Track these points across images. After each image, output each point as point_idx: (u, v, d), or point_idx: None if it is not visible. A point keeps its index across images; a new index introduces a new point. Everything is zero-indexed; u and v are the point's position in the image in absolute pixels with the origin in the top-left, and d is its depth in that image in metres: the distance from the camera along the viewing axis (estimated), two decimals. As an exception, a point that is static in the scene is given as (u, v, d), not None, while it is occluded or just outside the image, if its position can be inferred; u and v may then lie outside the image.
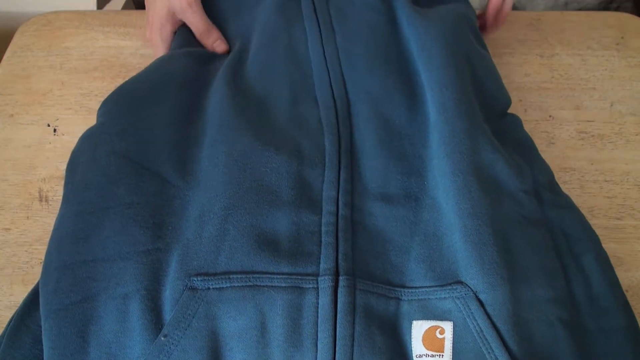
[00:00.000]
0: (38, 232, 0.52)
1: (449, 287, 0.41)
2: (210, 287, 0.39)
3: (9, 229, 0.52)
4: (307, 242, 0.42)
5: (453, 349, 0.39)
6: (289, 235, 0.42)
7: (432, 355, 0.39)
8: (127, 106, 0.49)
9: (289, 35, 0.55)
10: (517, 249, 0.42)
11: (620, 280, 0.44)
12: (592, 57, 0.64)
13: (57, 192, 0.55)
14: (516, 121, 0.53)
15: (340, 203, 0.44)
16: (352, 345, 0.38)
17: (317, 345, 0.38)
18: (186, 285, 0.39)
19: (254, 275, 0.39)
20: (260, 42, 0.55)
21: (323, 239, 0.42)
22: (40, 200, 0.54)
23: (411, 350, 0.39)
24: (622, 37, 0.66)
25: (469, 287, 0.40)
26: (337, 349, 0.38)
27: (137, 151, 0.46)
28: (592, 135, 0.58)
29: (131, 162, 0.45)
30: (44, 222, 0.53)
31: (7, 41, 0.68)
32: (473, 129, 0.47)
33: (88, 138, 0.48)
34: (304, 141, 0.47)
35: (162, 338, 0.37)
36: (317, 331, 0.38)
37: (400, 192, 0.46)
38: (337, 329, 0.38)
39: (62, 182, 0.52)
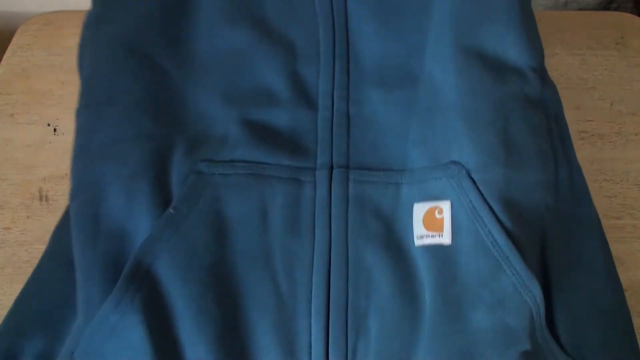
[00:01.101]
0: (38, 231, 0.52)
1: (443, 167, 0.42)
2: (216, 172, 0.41)
3: (9, 229, 0.53)
4: (304, 138, 0.44)
5: (452, 228, 0.40)
6: (287, 131, 0.44)
7: (432, 236, 0.40)
8: None
9: None
10: (516, 130, 0.43)
11: (620, 280, 0.44)
12: (592, 57, 0.64)
13: (57, 192, 0.55)
14: None
15: (335, 97, 0.45)
16: (346, 232, 0.41)
17: (314, 233, 0.41)
18: (192, 169, 0.41)
19: (257, 165, 0.42)
20: None
21: (319, 135, 0.44)
22: (41, 200, 0.54)
23: (411, 231, 0.41)
24: (622, 37, 0.66)
25: (462, 165, 0.41)
26: (332, 235, 0.41)
27: (136, 39, 0.46)
28: (592, 135, 0.58)
29: (131, 51, 0.46)
30: (44, 221, 0.53)
31: (7, 41, 0.68)
32: (480, 11, 0.47)
33: (88, 28, 0.48)
34: (298, 34, 0.47)
35: (171, 210, 0.39)
36: (314, 221, 0.41)
37: (398, 74, 0.47)
38: (332, 218, 0.41)
39: (62, 182, 0.52)
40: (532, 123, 0.44)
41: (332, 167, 0.43)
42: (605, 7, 0.80)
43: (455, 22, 0.46)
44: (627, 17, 0.69)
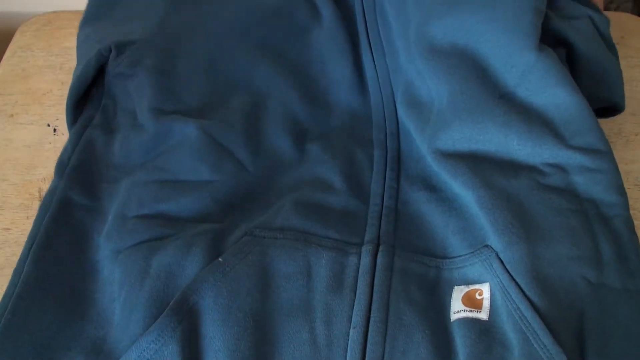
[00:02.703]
0: (38, 232, 0.52)
1: (478, 252, 0.44)
2: (266, 236, 0.45)
3: (9, 229, 0.53)
4: (354, 220, 0.48)
5: (490, 306, 0.42)
6: (338, 212, 0.48)
7: (471, 311, 0.42)
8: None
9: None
10: (535, 212, 0.45)
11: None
12: (592, 57, 0.64)
13: (57, 192, 0.55)
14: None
15: (385, 197, 0.50)
16: (389, 293, 0.43)
17: (355, 292, 0.42)
18: (246, 232, 0.45)
19: (305, 234, 0.45)
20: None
21: (369, 221, 0.48)
22: (40, 200, 0.54)
23: (449, 308, 0.42)
24: (622, 37, 0.66)
25: (492, 248, 0.44)
26: (373, 295, 0.42)
27: (219, 130, 0.51)
28: (592, 135, 0.58)
29: (214, 142, 0.51)
30: (44, 222, 0.53)
31: (7, 41, 0.68)
32: (483, 111, 0.49)
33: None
34: (356, 152, 0.53)
35: (220, 259, 0.42)
36: (356, 282, 0.43)
37: (437, 179, 0.50)
38: (375, 281, 0.43)
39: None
40: (555, 205, 0.45)
41: (378, 245, 0.46)
42: (605, 7, 0.80)
43: (461, 134, 0.50)
44: (627, 17, 0.69)
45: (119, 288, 0.43)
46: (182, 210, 0.47)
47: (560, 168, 0.47)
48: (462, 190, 0.47)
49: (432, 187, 0.50)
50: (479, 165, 0.48)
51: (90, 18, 0.61)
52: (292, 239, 0.45)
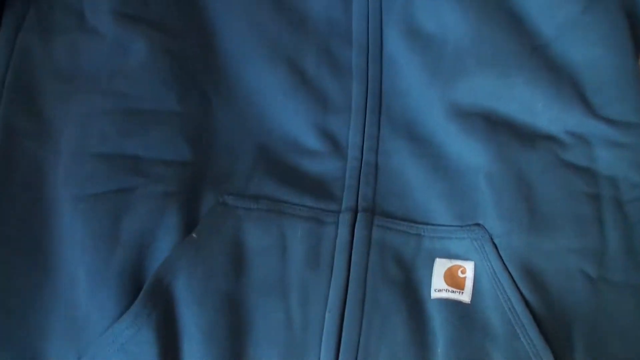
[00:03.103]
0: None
1: (468, 228, 0.43)
2: (239, 205, 0.43)
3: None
4: (331, 184, 0.45)
5: (473, 287, 0.41)
6: (314, 177, 0.46)
7: (453, 291, 0.41)
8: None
9: None
10: (545, 196, 0.43)
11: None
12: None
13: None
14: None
15: (365, 148, 0.46)
16: (366, 273, 0.42)
17: (332, 270, 0.41)
18: (218, 200, 0.42)
19: (280, 203, 0.43)
20: None
21: (347, 182, 0.45)
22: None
23: (429, 282, 0.42)
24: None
25: (486, 229, 0.42)
26: (350, 274, 0.41)
27: (185, 53, 0.46)
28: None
29: (180, 66, 0.46)
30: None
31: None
32: (511, 64, 0.46)
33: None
34: (332, 85, 0.48)
35: (193, 235, 0.41)
36: (333, 258, 0.42)
37: (427, 130, 0.47)
38: (352, 258, 0.42)
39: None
40: (568, 188, 0.43)
41: (356, 212, 0.44)
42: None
43: (483, 86, 0.46)
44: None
45: (81, 249, 0.40)
46: (150, 148, 0.43)
47: (583, 139, 0.44)
48: (473, 157, 0.44)
49: (416, 137, 0.47)
50: (496, 129, 0.45)
51: None
52: (265, 210, 0.43)
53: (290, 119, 0.47)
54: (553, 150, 0.44)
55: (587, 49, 0.45)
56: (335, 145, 0.46)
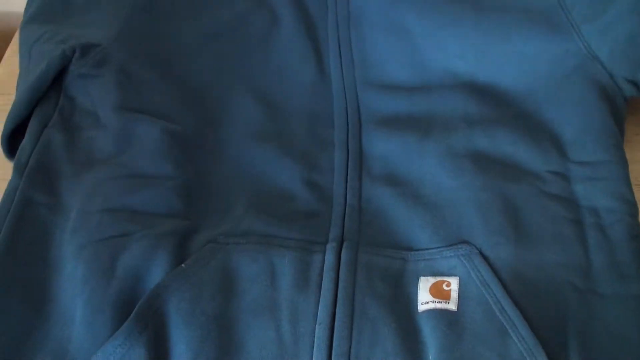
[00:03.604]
0: (38, 231, 0.52)
1: (454, 247, 0.45)
2: (230, 242, 0.45)
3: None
4: (318, 222, 0.49)
5: (459, 298, 0.42)
6: (301, 216, 0.49)
7: (439, 302, 0.42)
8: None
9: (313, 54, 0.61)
10: (530, 218, 0.46)
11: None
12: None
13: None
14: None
15: (348, 196, 0.50)
16: (354, 289, 0.43)
17: (320, 289, 0.43)
18: (209, 240, 0.45)
19: (268, 237, 0.46)
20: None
21: (332, 221, 0.49)
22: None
23: (415, 299, 0.43)
24: None
25: (473, 246, 0.45)
26: (338, 291, 0.43)
27: (181, 133, 0.53)
28: (592, 136, 0.58)
29: (177, 144, 0.52)
30: (44, 221, 0.52)
31: (7, 41, 0.68)
32: (494, 119, 0.53)
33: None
34: (317, 154, 0.54)
35: (183, 266, 0.43)
36: (321, 279, 0.44)
37: (405, 175, 0.51)
38: (339, 277, 0.44)
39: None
40: (550, 213, 0.47)
41: (342, 242, 0.47)
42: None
43: (471, 143, 0.52)
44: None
45: (81, 284, 0.43)
46: (147, 203, 0.48)
47: (562, 176, 0.49)
48: (460, 190, 0.48)
49: (396, 182, 0.51)
50: (484, 167, 0.49)
51: (40, 17, 0.62)
52: (254, 243, 0.46)
53: (280, 176, 0.52)
54: (535, 184, 0.49)
55: (563, 114, 0.52)
56: (321, 195, 0.51)
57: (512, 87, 0.55)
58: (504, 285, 0.42)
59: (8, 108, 0.61)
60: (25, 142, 0.52)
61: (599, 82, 0.53)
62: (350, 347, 0.41)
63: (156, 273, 0.43)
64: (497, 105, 0.54)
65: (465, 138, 0.52)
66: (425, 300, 0.43)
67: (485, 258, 0.44)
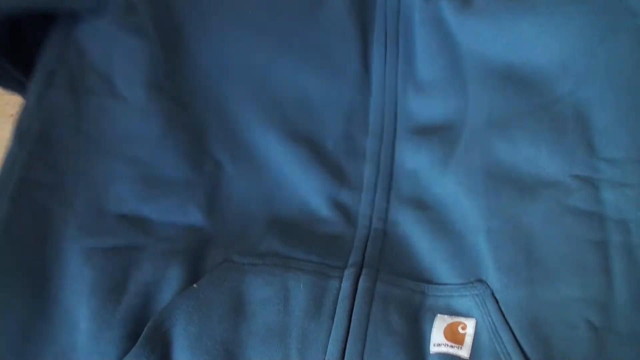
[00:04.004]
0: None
1: (470, 285, 0.43)
2: (245, 262, 0.43)
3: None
4: (339, 246, 0.46)
5: (473, 344, 0.40)
6: (323, 239, 0.46)
7: (452, 346, 0.40)
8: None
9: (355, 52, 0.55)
10: (547, 246, 0.42)
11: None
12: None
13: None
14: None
15: (374, 218, 0.48)
16: (367, 323, 0.41)
17: (333, 319, 0.41)
18: (225, 259, 0.43)
19: (285, 259, 0.44)
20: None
21: (354, 244, 0.46)
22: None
23: (429, 337, 0.41)
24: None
25: (487, 285, 0.42)
26: (351, 323, 0.41)
27: (203, 131, 0.49)
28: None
29: (198, 143, 0.48)
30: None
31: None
32: (517, 114, 0.47)
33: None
34: (347, 165, 0.50)
35: (194, 285, 0.42)
36: (335, 308, 0.42)
37: (431, 197, 0.48)
38: (354, 308, 0.42)
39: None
40: (572, 236, 0.42)
41: (361, 268, 0.44)
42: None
43: (488, 149, 0.47)
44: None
45: (89, 293, 0.41)
46: (164, 213, 0.45)
47: (589, 182, 0.43)
48: (473, 216, 0.45)
49: (424, 205, 0.48)
50: (496, 183, 0.45)
51: None
52: (270, 265, 0.44)
53: (305, 191, 0.49)
54: (556, 198, 0.43)
55: (596, 96, 0.45)
56: (347, 216, 0.48)
57: (546, 66, 0.47)
58: (515, 335, 0.40)
59: (8, 108, 0.59)
60: (27, 105, 0.47)
61: None
62: None
63: (167, 291, 0.42)
64: (527, 92, 0.47)
65: (484, 145, 0.47)
66: (437, 342, 0.41)
67: (497, 301, 0.41)
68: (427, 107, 0.53)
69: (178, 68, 0.50)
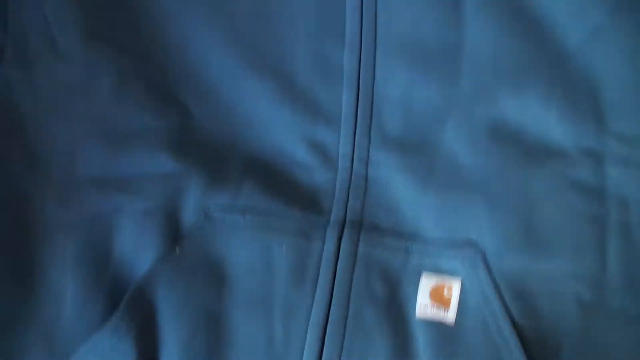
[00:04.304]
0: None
1: (459, 248, 0.42)
2: (226, 220, 0.42)
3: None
4: (320, 197, 0.45)
5: (458, 306, 0.41)
6: (304, 189, 0.45)
7: (437, 307, 0.41)
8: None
9: None
10: (545, 218, 0.42)
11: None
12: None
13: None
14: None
15: (355, 158, 0.45)
16: (350, 291, 0.41)
17: (316, 286, 0.41)
18: (205, 213, 0.43)
19: (267, 217, 0.43)
20: None
21: (336, 194, 0.44)
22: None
23: (414, 299, 0.41)
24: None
25: (479, 247, 0.41)
26: (334, 292, 0.41)
27: (162, 77, 0.46)
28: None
29: (158, 89, 0.46)
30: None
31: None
32: (528, 74, 0.44)
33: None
34: (322, 93, 0.46)
35: (177, 250, 0.41)
36: (318, 274, 0.42)
37: (418, 140, 0.45)
38: (337, 275, 0.41)
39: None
40: (571, 210, 0.42)
41: (343, 226, 0.43)
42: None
43: (495, 97, 0.44)
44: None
45: (74, 266, 0.41)
46: (134, 166, 0.44)
47: (595, 156, 0.42)
48: (472, 173, 0.43)
49: (408, 147, 0.45)
50: (503, 143, 0.43)
51: None
52: (252, 227, 0.43)
53: (278, 130, 0.46)
54: (561, 169, 0.43)
55: (609, 61, 0.43)
56: (325, 157, 0.46)
57: (557, 11, 0.44)
58: (504, 302, 0.40)
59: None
60: None
61: None
62: (340, 356, 0.40)
63: (146, 257, 0.41)
64: (537, 36, 0.44)
65: (490, 99, 0.44)
66: (424, 302, 0.41)
67: (488, 268, 0.41)
68: (413, 19, 0.46)
69: (121, 13, 0.47)
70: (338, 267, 0.42)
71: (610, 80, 0.43)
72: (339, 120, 0.46)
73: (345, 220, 0.44)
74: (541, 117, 0.43)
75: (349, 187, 0.45)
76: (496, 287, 0.40)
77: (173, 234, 0.42)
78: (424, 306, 0.41)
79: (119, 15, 0.46)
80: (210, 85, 0.46)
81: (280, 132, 0.46)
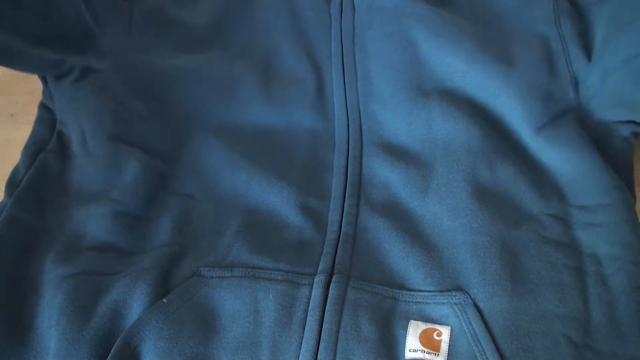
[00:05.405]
0: (37, 232, 0.52)
1: (448, 293, 0.43)
2: (214, 275, 0.44)
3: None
4: (308, 252, 0.47)
5: (448, 351, 0.41)
6: (293, 244, 0.47)
7: (428, 352, 0.40)
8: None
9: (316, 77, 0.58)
10: (528, 266, 0.44)
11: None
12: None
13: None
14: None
15: (343, 224, 0.48)
16: (338, 331, 0.41)
17: (304, 329, 0.42)
18: (194, 273, 0.44)
19: (254, 270, 0.44)
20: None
21: (324, 249, 0.47)
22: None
23: (403, 343, 0.41)
24: None
25: (468, 295, 0.43)
26: (322, 333, 0.41)
27: (167, 168, 0.52)
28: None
29: (169, 183, 0.51)
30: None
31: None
32: (495, 151, 0.50)
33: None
34: (315, 180, 0.51)
35: (164, 300, 0.42)
36: (305, 317, 0.42)
37: (403, 209, 0.49)
38: (325, 316, 0.42)
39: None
40: (550, 260, 0.45)
41: (331, 275, 0.45)
42: None
43: (471, 172, 0.49)
44: None
45: (58, 314, 0.42)
46: (136, 244, 0.47)
47: (563, 221, 0.47)
48: (458, 232, 0.47)
49: (395, 215, 0.49)
50: (483, 206, 0.47)
51: None
52: (239, 277, 0.44)
53: (273, 199, 0.50)
54: (535, 229, 0.46)
55: (558, 150, 0.49)
56: (316, 222, 0.49)
57: (508, 115, 0.52)
58: (496, 342, 0.40)
59: (8, 108, 0.61)
60: (20, 162, 0.52)
61: (589, 126, 0.51)
62: None
63: (136, 308, 0.42)
64: (497, 132, 0.51)
65: (467, 172, 0.49)
66: (413, 347, 0.41)
67: (479, 310, 0.42)
68: (392, 124, 0.54)
69: (143, 118, 0.54)
70: (326, 309, 0.42)
71: (562, 164, 0.49)
72: (329, 196, 0.51)
73: (333, 271, 0.45)
74: (511, 189, 0.49)
75: (337, 244, 0.47)
76: (487, 328, 0.41)
77: (163, 290, 0.44)
78: (413, 350, 0.41)
79: (142, 124, 0.54)
80: (213, 181, 0.52)
81: (275, 200, 0.50)
